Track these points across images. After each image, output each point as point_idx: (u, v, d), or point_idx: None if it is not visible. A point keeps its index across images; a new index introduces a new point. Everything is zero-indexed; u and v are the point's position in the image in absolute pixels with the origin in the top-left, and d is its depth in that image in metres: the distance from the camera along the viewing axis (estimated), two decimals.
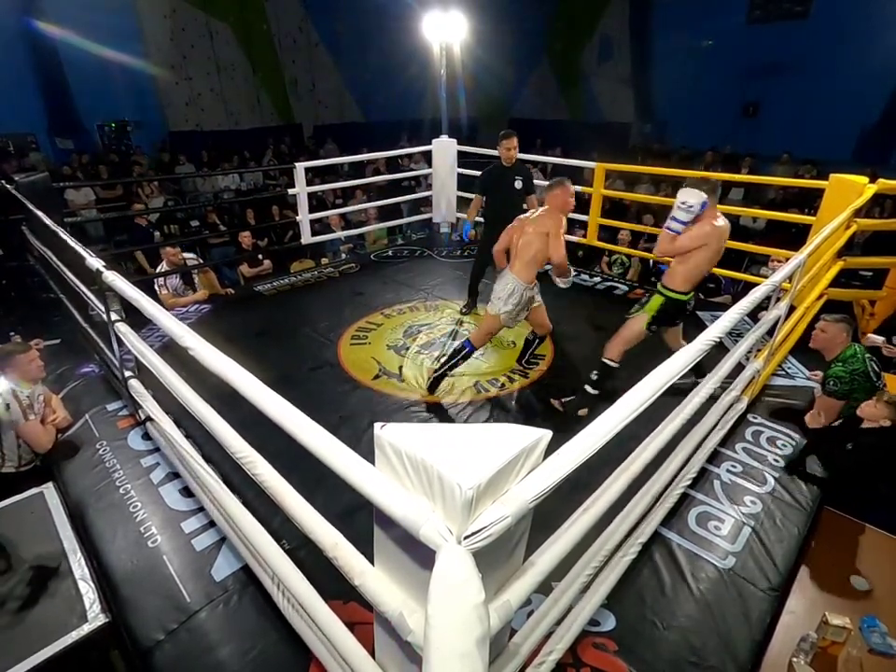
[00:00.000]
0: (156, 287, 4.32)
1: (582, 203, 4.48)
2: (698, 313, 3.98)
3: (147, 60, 9.21)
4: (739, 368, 2.75)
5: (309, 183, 5.09)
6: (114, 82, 8.99)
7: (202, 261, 4.83)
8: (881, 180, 3.61)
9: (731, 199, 7.48)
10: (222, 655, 1.71)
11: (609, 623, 1.82)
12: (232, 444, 1.51)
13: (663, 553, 2.09)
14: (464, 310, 4.26)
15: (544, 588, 1.37)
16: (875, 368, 2.71)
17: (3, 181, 3.95)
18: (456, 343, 3.18)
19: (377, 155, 7.07)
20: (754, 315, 2.59)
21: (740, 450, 2.68)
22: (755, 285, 2.25)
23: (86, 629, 1.74)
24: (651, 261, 5.42)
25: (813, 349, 2.92)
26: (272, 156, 10.11)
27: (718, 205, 2.67)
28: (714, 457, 2.58)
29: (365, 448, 1.04)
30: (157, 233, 6.36)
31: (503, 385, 3.29)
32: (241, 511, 1.75)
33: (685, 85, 10.32)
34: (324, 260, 5.88)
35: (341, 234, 6.06)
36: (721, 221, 2.62)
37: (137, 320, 2.54)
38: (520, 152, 4.05)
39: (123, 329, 2.44)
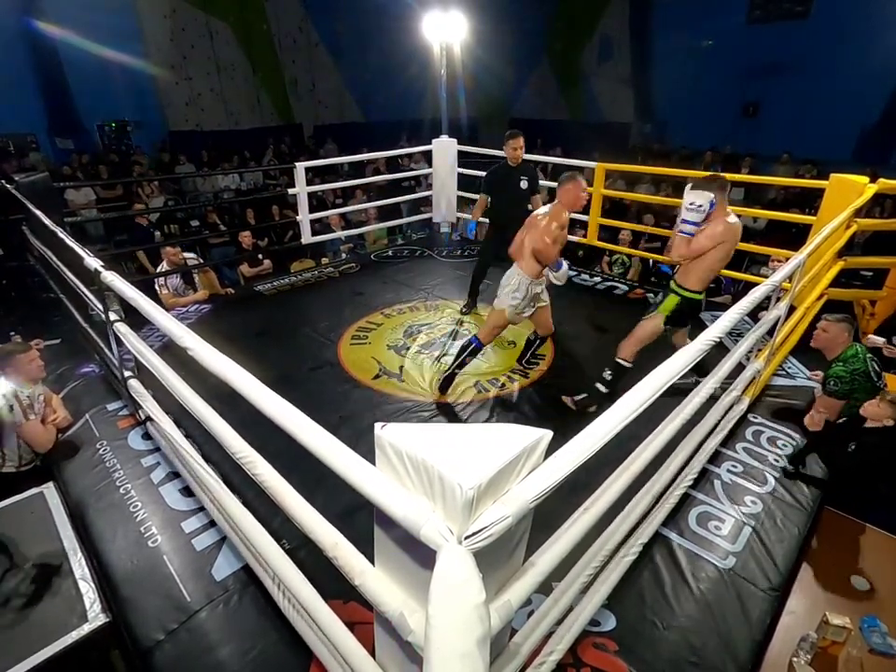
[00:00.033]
0: (156, 287, 4.32)
1: None
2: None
3: (146, 60, 9.21)
4: (740, 368, 2.75)
5: (309, 183, 5.09)
6: (114, 82, 9.00)
7: (202, 261, 4.84)
8: (881, 180, 3.61)
9: (731, 199, 7.39)
10: (222, 655, 1.71)
11: (610, 623, 1.82)
12: (232, 444, 1.51)
13: (663, 553, 2.09)
14: (464, 310, 4.26)
15: (545, 588, 1.38)
16: (877, 368, 2.70)
17: (3, 181, 3.95)
18: (464, 340, 3.17)
19: (377, 155, 7.07)
20: (754, 314, 2.59)
21: (741, 450, 2.68)
22: (755, 284, 2.24)
23: (86, 629, 1.74)
24: (651, 261, 5.43)
25: (814, 349, 2.92)
26: (272, 156, 10.11)
27: None
28: (715, 457, 2.58)
29: (365, 448, 1.04)
30: (157, 233, 6.37)
31: (503, 384, 3.29)
32: (241, 510, 1.75)
33: (685, 85, 10.33)
34: (324, 260, 5.88)
35: (341, 234, 6.06)
36: (734, 219, 2.61)
37: (137, 320, 2.54)
38: None
39: (122, 328, 2.43)
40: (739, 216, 2.73)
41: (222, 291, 4.68)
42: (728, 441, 2.70)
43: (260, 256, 5.38)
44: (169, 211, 7.26)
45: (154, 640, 1.75)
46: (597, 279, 5.06)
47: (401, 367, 3.47)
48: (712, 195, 2.53)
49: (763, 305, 2.36)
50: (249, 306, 4.45)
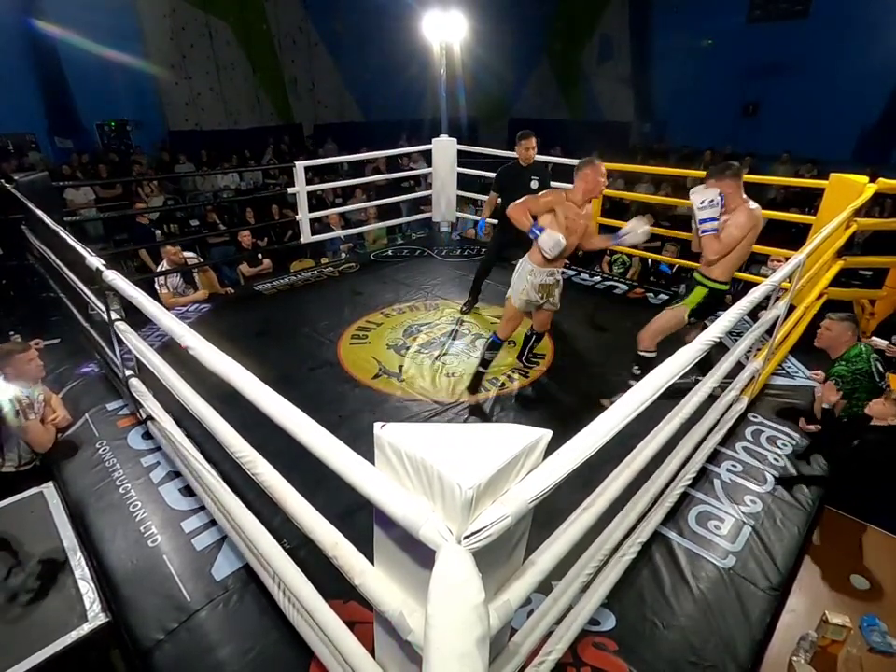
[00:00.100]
0: (156, 287, 4.32)
1: None
2: None
3: (146, 59, 9.20)
4: (739, 367, 2.75)
5: (309, 182, 5.09)
6: (114, 82, 9.00)
7: (201, 260, 4.84)
8: (881, 179, 3.61)
9: None
10: (222, 655, 1.71)
11: (609, 622, 1.82)
12: (233, 444, 1.51)
13: (663, 552, 2.09)
14: (464, 308, 4.26)
15: (544, 587, 1.37)
16: (880, 368, 2.70)
17: (2, 180, 3.94)
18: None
19: (377, 154, 7.08)
20: (754, 314, 2.58)
21: (740, 449, 2.68)
22: (755, 284, 2.24)
23: (86, 629, 1.74)
24: (650, 261, 5.43)
25: (815, 348, 2.92)
26: (271, 155, 10.10)
27: None
28: (714, 457, 2.58)
29: (364, 448, 1.04)
30: (157, 232, 6.37)
31: (503, 384, 3.29)
32: (241, 510, 1.75)
33: (685, 85, 10.32)
34: (324, 260, 5.88)
35: (340, 233, 6.06)
36: (754, 205, 2.60)
37: (137, 319, 2.54)
38: None
39: (123, 328, 2.44)
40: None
41: (222, 291, 4.68)
42: (728, 440, 2.70)
43: (260, 255, 5.38)
44: (169, 210, 7.26)
45: (154, 640, 1.75)
46: (597, 279, 5.06)
47: (401, 366, 3.47)
48: (718, 189, 2.52)
49: (762, 304, 2.36)
50: (249, 306, 4.45)
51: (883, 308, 4.04)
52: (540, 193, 2.79)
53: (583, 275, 5.11)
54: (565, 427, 1.16)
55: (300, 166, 4.86)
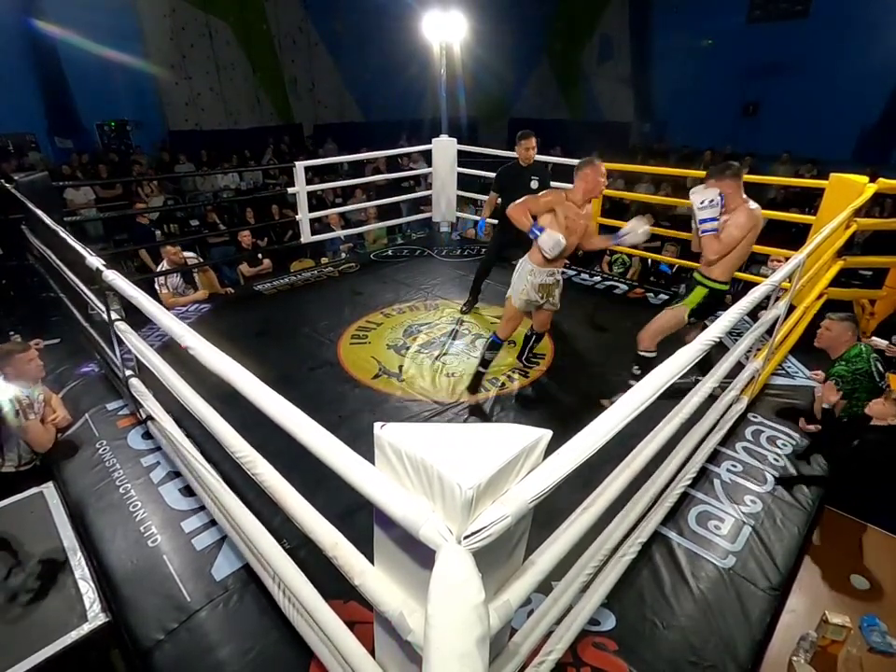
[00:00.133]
0: (156, 286, 4.32)
1: None
2: None
3: (146, 59, 9.21)
4: (739, 367, 2.75)
5: (309, 182, 5.09)
6: (114, 82, 9.00)
7: (201, 260, 4.84)
8: (881, 179, 3.61)
9: None
10: (222, 655, 1.71)
11: (609, 622, 1.82)
12: (233, 444, 1.51)
13: (663, 552, 2.09)
14: (464, 308, 4.26)
15: (544, 587, 1.37)
16: (880, 368, 2.70)
17: (2, 180, 3.94)
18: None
19: (377, 154, 7.08)
20: (754, 314, 2.58)
21: (740, 449, 2.68)
22: (755, 284, 2.24)
23: (86, 629, 1.74)
24: (650, 261, 5.43)
25: (816, 348, 2.92)
26: (271, 155, 10.10)
27: None
28: (714, 457, 2.58)
29: (364, 447, 1.04)
30: (157, 232, 6.37)
31: (503, 384, 3.29)
32: (241, 510, 1.75)
33: (685, 85, 10.33)
34: (324, 260, 5.88)
35: (340, 233, 6.06)
36: (754, 205, 2.60)
37: (137, 319, 2.54)
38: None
39: (123, 328, 2.43)
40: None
41: (222, 291, 4.68)
42: (728, 440, 2.70)
43: (260, 255, 5.38)
44: (169, 210, 7.26)
45: (154, 640, 1.75)
46: (597, 279, 5.06)
47: (401, 366, 3.47)
48: (717, 189, 2.52)
49: (762, 304, 2.36)
50: (249, 306, 4.45)
51: (883, 308, 4.04)
52: (540, 193, 2.79)
53: (583, 275, 5.11)
54: (565, 427, 1.15)
55: (300, 166, 4.86)
